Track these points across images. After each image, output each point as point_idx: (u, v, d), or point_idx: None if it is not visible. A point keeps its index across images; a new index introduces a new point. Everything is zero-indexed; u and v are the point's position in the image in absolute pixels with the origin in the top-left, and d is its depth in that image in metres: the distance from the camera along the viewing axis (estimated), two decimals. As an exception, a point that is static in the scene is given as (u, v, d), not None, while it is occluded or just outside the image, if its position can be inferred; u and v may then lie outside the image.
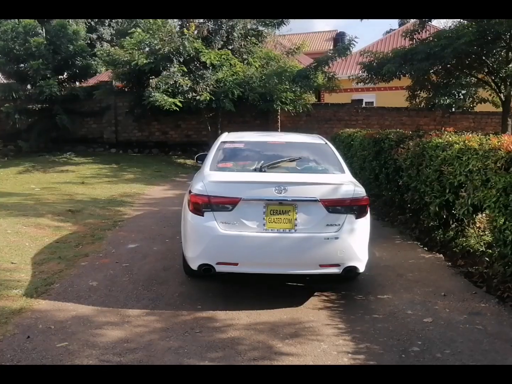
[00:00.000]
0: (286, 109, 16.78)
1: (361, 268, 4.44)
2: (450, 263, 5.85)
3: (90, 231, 7.32)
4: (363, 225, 4.40)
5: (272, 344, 3.77)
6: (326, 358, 3.56)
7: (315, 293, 4.82)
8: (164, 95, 13.63)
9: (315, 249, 4.26)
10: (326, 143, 5.49)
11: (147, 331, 3.98)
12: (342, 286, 5.01)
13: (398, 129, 10.39)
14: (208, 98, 14.58)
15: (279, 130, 18.69)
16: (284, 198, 4.25)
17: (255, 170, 4.69)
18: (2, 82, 19.23)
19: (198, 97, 14.61)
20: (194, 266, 4.42)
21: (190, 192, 4.49)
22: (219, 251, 4.30)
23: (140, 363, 3.46)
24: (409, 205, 7.95)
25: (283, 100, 16.00)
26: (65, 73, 17.86)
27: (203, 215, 4.33)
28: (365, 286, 5.05)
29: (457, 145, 6.06)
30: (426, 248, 6.50)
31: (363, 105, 19.80)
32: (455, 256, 6.04)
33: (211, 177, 4.51)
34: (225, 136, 5.64)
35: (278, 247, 4.24)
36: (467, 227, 6.62)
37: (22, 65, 17.13)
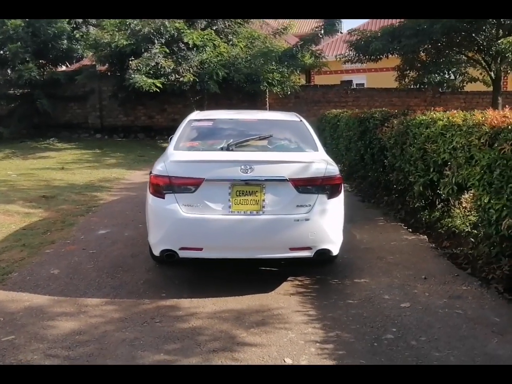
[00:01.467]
0: (274, 91, 16.41)
1: (335, 251, 4.17)
2: (434, 245, 5.60)
3: (62, 217, 7.02)
4: (336, 205, 4.12)
5: (235, 333, 3.51)
6: (292, 348, 3.30)
7: (289, 278, 4.56)
8: (144, 76, 13.22)
9: (285, 231, 3.98)
10: (301, 120, 5.18)
11: (103, 321, 3.70)
12: (317, 270, 4.74)
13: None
14: (191, 79, 14.20)
15: (268, 112, 18.35)
16: (250, 178, 3.95)
17: (221, 149, 4.38)
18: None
19: (181, 79, 14.21)
20: (156, 252, 4.13)
21: (150, 173, 4.19)
22: (181, 236, 4.02)
23: (89, 357, 3.19)
24: (394, 186, 7.69)
25: (270, 81, 15.62)
26: (47, 57, 17.29)
27: (164, 198, 4.03)
28: (342, 270, 4.79)
29: (440, 122, 5.78)
30: (410, 230, 6.24)
31: (353, 86, 19.42)
32: (440, 238, 5.79)
33: (173, 157, 4.21)
34: (195, 115, 5.33)
35: (244, 230, 3.96)
36: (453, 207, 6.37)
37: (1, 49, 16.63)
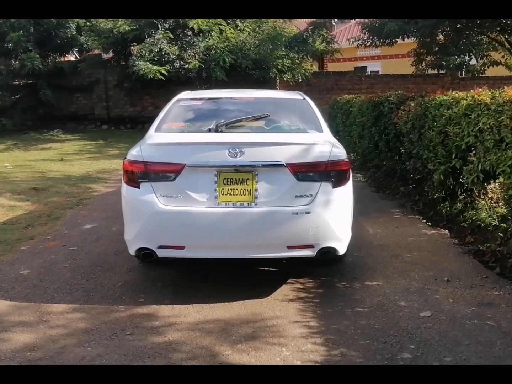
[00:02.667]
0: (284, 78, 15.73)
1: (341, 250, 3.53)
2: (456, 240, 4.93)
3: (49, 210, 6.49)
4: (342, 195, 3.48)
5: (218, 350, 2.90)
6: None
7: (289, 280, 3.94)
8: (148, 63, 12.64)
9: (281, 227, 3.36)
10: (304, 98, 4.54)
11: (65, 333, 3.14)
12: (322, 271, 4.12)
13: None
14: (197, 66, 13.59)
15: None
16: (240, 163, 3.33)
17: (209, 130, 3.76)
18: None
19: (186, 66, 13.61)
20: (131, 250, 3.55)
21: (124, 159, 3.59)
22: (160, 232, 3.42)
23: (38, 381, 2.62)
24: (411, 175, 7.01)
25: (280, 67, 14.94)
26: (50, 46, 16.79)
27: (139, 187, 3.44)
28: (352, 271, 4.16)
29: (464, 101, 5.08)
30: (429, 223, 5.57)
31: (367, 73, 18.62)
32: (463, 232, 5.11)
33: (151, 140, 3.62)
34: (184, 94, 4.71)
35: (233, 225, 3.35)
36: (478, 198, 5.67)
37: (3, 39, 16.16)
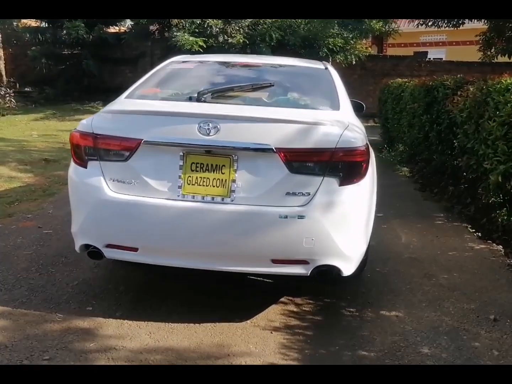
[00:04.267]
0: (337, 59, 14.55)
1: (347, 270, 2.61)
2: (512, 261, 3.87)
3: (48, 184, 5.90)
4: (353, 196, 2.54)
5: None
6: None
7: (282, 298, 3.07)
8: (186, 35, 11.90)
9: (264, 233, 2.48)
10: (326, 68, 3.60)
11: (-32, 349, 2.43)
12: (329, 289, 3.21)
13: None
14: (241, 41, 12.69)
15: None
16: (213, 143, 2.47)
17: (189, 99, 2.91)
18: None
19: (230, 40, 12.74)
20: (76, 247, 2.78)
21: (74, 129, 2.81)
22: (108, 227, 2.63)
23: None
24: (464, 173, 5.89)
25: (331, 47, 13.77)
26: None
27: (86, 167, 2.66)
28: (367, 292, 3.23)
29: (540, 84, 3.95)
30: (479, 234, 4.50)
31: (429, 58, 17.06)
32: (523, 250, 4.04)
33: (110, 107, 2.82)
34: (180, 57, 3.88)
35: (200, 226, 2.50)
36: (546, 209, 4.53)
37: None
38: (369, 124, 15.26)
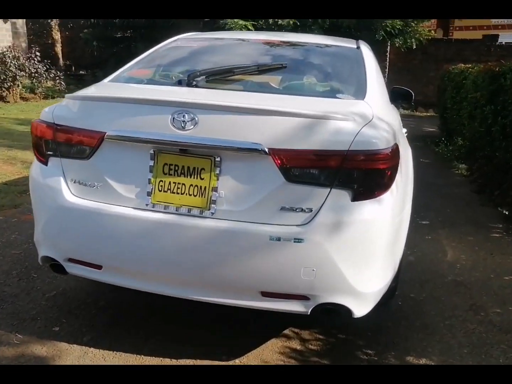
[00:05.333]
0: (395, 43, 13.56)
1: (359, 311, 2.01)
2: None
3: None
4: (372, 215, 1.93)
5: None
6: None
7: (286, 331, 2.52)
8: (235, 19, 11.39)
9: (250, 258, 1.92)
10: (358, 47, 2.93)
11: None
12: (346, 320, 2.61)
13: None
14: (291, 23, 11.99)
15: (387, 70, 15.52)
16: (189, 140, 1.92)
17: (179, 83, 2.38)
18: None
19: (280, 22, 12.07)
20: (39, 258, 2.34)
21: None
22: (68, 238, 2.17)
23: None
24: (531, 176, 5.05)
25: (389, 30, 12.75)
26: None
27: (46, 163, 2.20)
28: (393, 326, 2.61)
29: None
30: (547, 252, 3.72)
31: (500, 42, 15.56)
32: None
33: (79, 91, 2.34)
34: (189, 34, 3.34)
35: (173, 245, 1.98)
36: None
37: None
38: (428, 114, 14.21)
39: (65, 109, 2.16)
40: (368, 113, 2.07)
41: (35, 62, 11.72)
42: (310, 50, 2.93)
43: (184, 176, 1.97)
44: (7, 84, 10.87)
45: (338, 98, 2.28)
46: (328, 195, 1.88)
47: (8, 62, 10.80)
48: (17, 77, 11.07)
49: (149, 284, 2.09)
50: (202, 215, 1.95)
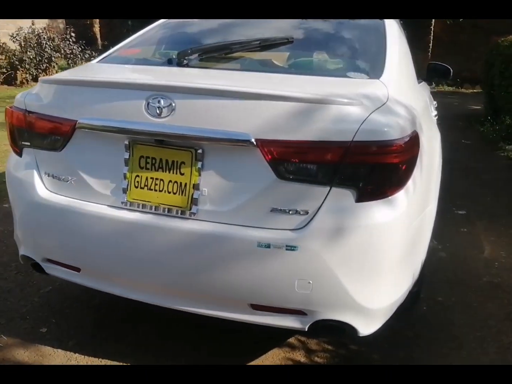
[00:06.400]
0: (441, 15, 12.72)
1: (365, 328, 1.72)
2: None
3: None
4: (382, 219, 1.61)
5: None
6: None
7: (290, 339, 2.25)
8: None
9: (237, 266, 1.66)
10: (382, 20, 2.55)
11: None
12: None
13: None
14: None
15: (431, 45, 14.68)
16: (165, 130, 1.66)
17: (169, 62, 2.12)
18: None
19: None
20: (20, 257, 2.17)
21: None
22: (43, 237, 1.97)
23: None
24: None
25: (434, 0, 11.94)
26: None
27: (21, 155, 2.00)
28: (415, 336, 2.30)
29: None
30: None
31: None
32: None
33: (53, 76, 2.11)
34: None
35: (151, 249, 1.74)
36: None
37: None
38: (474, 91, 13.34)
39: (38, 95, 1.94)
40: (381, 95, 1.73)
41: (70, 43, 11.69)
42: (324, 23, 2.58)
43: (163, 171, 1.71)
44: (43, 66, 10.91)
45: (348, 77, 1.95)
46: (327, 195, 1.58)
47: (43, 44, 10.81)
48: (53, 58, 11.09)
49: (129, 290, 1.87)
50: (183, 216, 1.69)
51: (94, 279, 1.93)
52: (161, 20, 2.76)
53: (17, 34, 10.65)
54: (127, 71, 2.16)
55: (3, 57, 10.25)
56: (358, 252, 1.60)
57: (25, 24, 10.85)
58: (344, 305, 1.65)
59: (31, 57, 10.44)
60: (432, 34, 14.64)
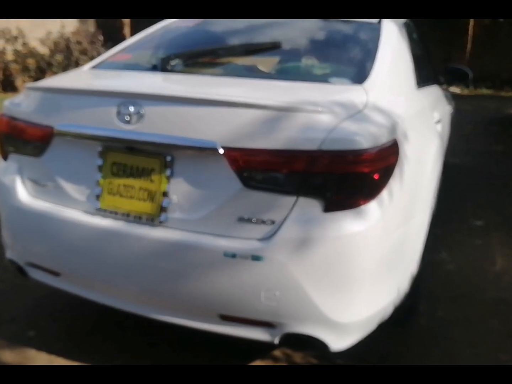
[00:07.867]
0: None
1: (336, 343, 1.66)
2: None
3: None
4: (351, 229, 1.55)
5: None
6: None
7: (276, 351, 2.20)
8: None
9: (204, 275, 1.63)
10: (379, 22, 2.49)
11: None
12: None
13: None
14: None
15: (468, 44, 14.24)
16: (134, 137, 1.65)
17: (154, 68, 2.12)
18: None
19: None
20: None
21: None
22: (24, 241, 2.00)
23: None
24: None
25: None
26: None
27: (6, 159, 2.04)
28: (407, 351, 2.22)
29: None
30: None
31: None
32: None
33: (38, 83, 2.13)
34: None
35: (122, 256, 1.74)
36: None
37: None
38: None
39: (21, 101, 1.97)
40: (358, 102, 1.68)
41: (97, 46, 11.96)
42: (316, 25, 2.52)
43: (133, 178, 1.71)
44: (70, 69, 11.20)
45: (329, 83, 1.90)
46: (294, 204, 1.54)
47: (71, 48, 11.11)
48: (79, 61, 11.37)
49: (104, 297, 1.87)
50: (152, 224, 1.68)
51: (73, 284, 1.94)
52: (161, 24, 2.77)
53: (47, 38, 10.98)
54: (108, 78, 2.18)
55: (33, 61, 10.58)
56: (326, 264, 1.55)
57: (54, 28, 11.15)
58: (312, 318, 1.60)
59: (59, 60, 10.73)
60: (469, 33, 14.21)
